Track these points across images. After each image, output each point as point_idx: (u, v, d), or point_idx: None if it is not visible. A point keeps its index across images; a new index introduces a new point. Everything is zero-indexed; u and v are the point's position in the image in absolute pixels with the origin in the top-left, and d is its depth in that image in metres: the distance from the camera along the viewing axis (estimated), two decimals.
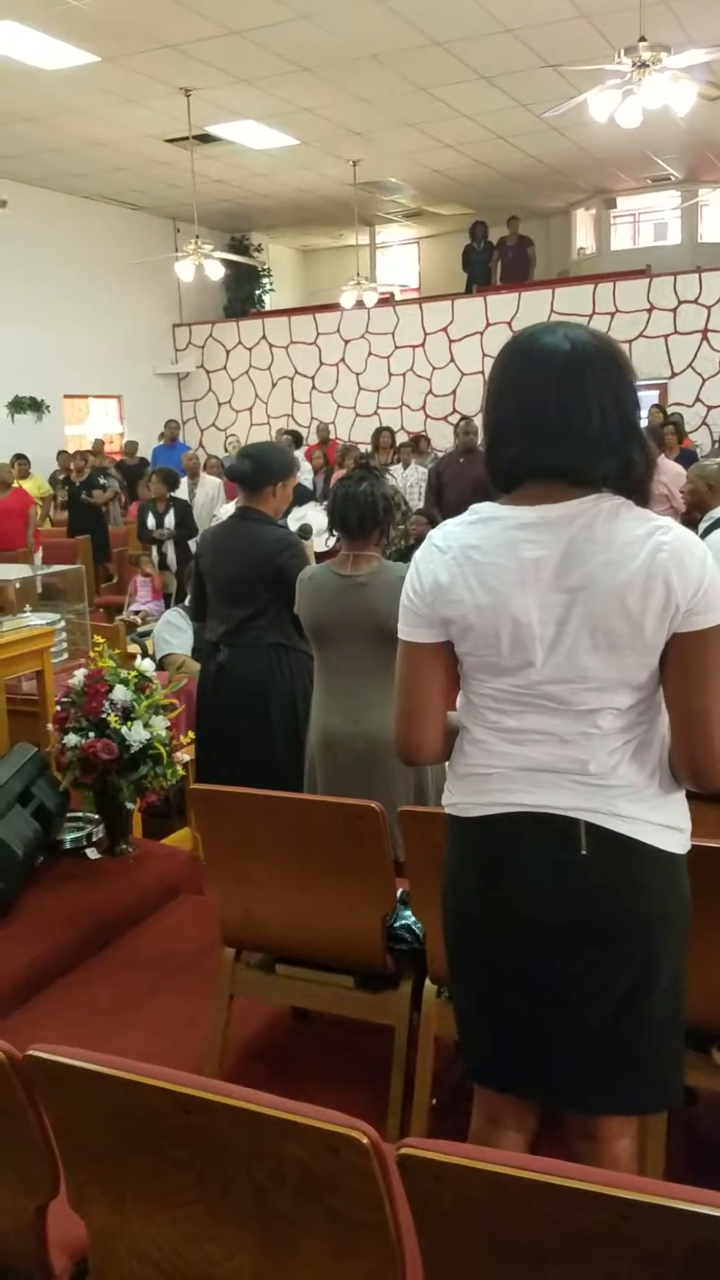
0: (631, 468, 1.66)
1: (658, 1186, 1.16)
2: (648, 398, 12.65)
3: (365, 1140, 1.26)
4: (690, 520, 4.38)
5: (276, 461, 3.79)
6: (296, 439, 11.96)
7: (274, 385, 15.41)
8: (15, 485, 10.15)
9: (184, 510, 8.69)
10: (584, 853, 1.66)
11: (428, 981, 2.47)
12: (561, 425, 1.64)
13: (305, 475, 11.44)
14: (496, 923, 1.74)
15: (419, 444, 11.83)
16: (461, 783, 1.79)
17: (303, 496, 9.03)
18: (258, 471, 3.71)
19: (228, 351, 15.65)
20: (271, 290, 16.75)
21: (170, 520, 8.57)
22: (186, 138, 10.34)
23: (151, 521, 8.67)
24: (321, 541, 8.05)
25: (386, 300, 14.89)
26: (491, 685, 1.72)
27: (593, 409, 1.63)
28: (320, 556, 7.05)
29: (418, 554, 1.77)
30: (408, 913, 2.57)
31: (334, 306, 14.36)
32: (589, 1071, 1.71)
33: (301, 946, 2.64)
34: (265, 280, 16.54)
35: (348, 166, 12.26)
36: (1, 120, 10.01)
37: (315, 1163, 1.31)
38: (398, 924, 2.56)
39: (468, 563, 1.68)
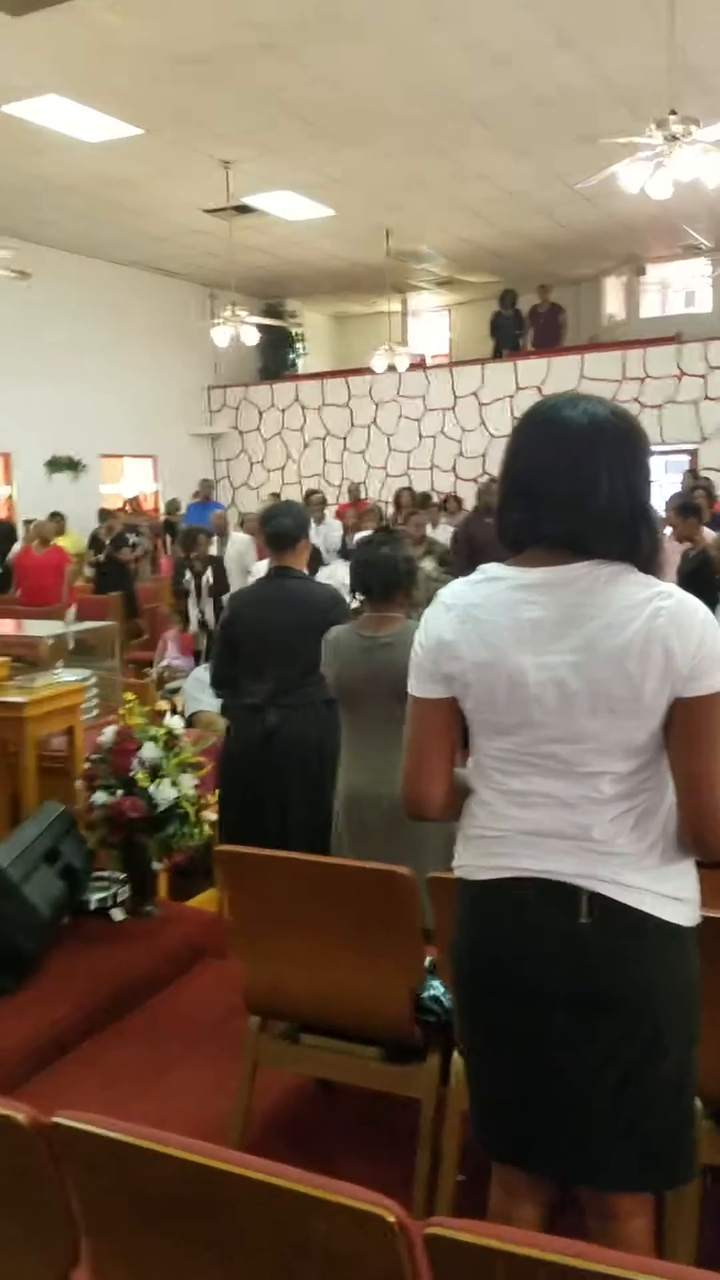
0: (638, 547, 1.67)
1: (683, 1272, 1.13)
2: (678, 463, 12.69)
3: (392, 1218, 1.24)
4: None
5: (304, 517, 3.88)
6: (324, 500, 12.10)
7: (306, 446, 15.61)
8: (52, 542, 10.30)
9: (219, 567, 8.75)
10: (585, 921, 1.65)
11: (455, 1054, 2.43)
12: (569, 498, 1.66)
13: (336, 533, 11.55)
14: (498, 989, 1.73)
15: (448, 504, 11.92)
16: (469, 845, 1.79)
17: (316, 557, 9.05)
18: (296, 528, 3.77)
19: (261, 413, 15.89)
20: (305, 354, 17.03)
21: (209, 577, 8.63)
22: (224, 208, 10.60)
23: (189, 578, 8.71)
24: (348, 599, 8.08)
25: (418, 365, 15.08)
26: (495, 745, 1.73)
27: (602, 485, 1.65)
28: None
29: (427, 611, 1.80)
30: (437, 983, 2.54)
31: (366, 370, 14.57)
32: (592, 1147, 1.69)
33: (327, 1016, 2.60)
34: (299, 345, 16.83)
35: (381, 236, 12.51)
36: (43, 189, 10.30)
37: (341, 1240, 1.28)
38: (426, 994, 2.53)
39: (470, 620, 1.71)
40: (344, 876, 2.56)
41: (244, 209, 11.01)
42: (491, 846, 1.74)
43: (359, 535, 10.16)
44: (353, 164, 9.86)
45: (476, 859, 1.77)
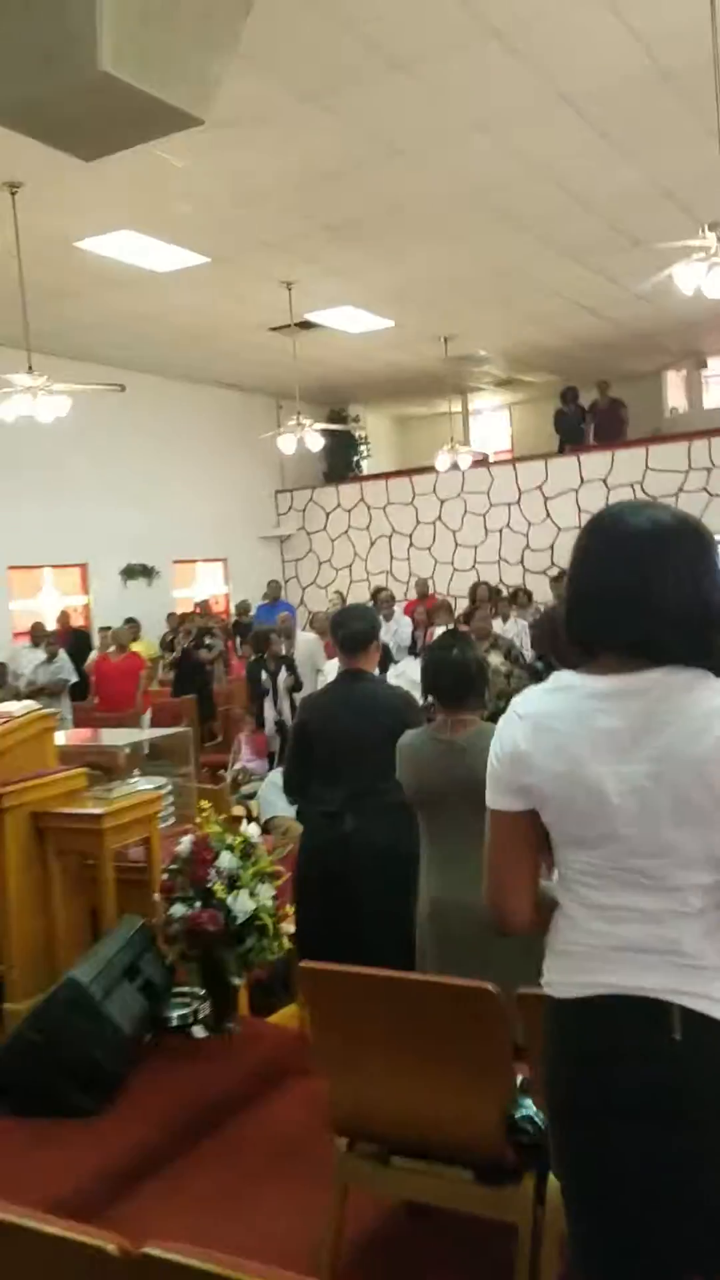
0: (710, 651, 1.65)
1: None
2: None
3: None
4: None
5: (375, 619, 3.91)
6: (391, 597, 12.20)
7: (372, 544, 15.82)
8: (129, 649, 10.50)
9: (292, 666, 8.83)
10: (677, 1038, 1.60)
11: (551, 1176, 2.34)
12: (636, 604, 1.66)
13: (406, 630, 11.61)
14: (590, 1110, 1.68)
15: (518, 597, 11.92)
16: (556, 960, 1.76)
17: (387, 656, 9.08)
18: (368, 630, 3.80)
19: (327, 514, 16.19)
20: (369, 456, 17.38)
21: (283, 676, 8.70)
22: (288, 325, 10.98)
23: (265, 678, 8.79)
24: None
25: (481, 462, 15.29)
26: (579, 858, 1.70)
27: (669, 590, 1.64)
28: None
29: (501, 721, 1.80)
30: (529, 1102, 2.46)
31: (429, 469, 14.80)
32: (692, 1267, 1.60)
33: (417, 1136, 2.53)
34: (362, 447, 17.19)
35: (439, 343, 12.82)
36: (121, 318, 10.79)
37: None
38: (519, 1114, 2.45)
39: (545, 731, 1.69)
40: (429, 993, 2.52)
41: (306, 325, 11.38)
42: (579, 962, 1.71)
43: (431, 632, 10.23)
44: (409, 277, 10.17)
45: (564, 975, 1.74)
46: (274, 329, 11.43)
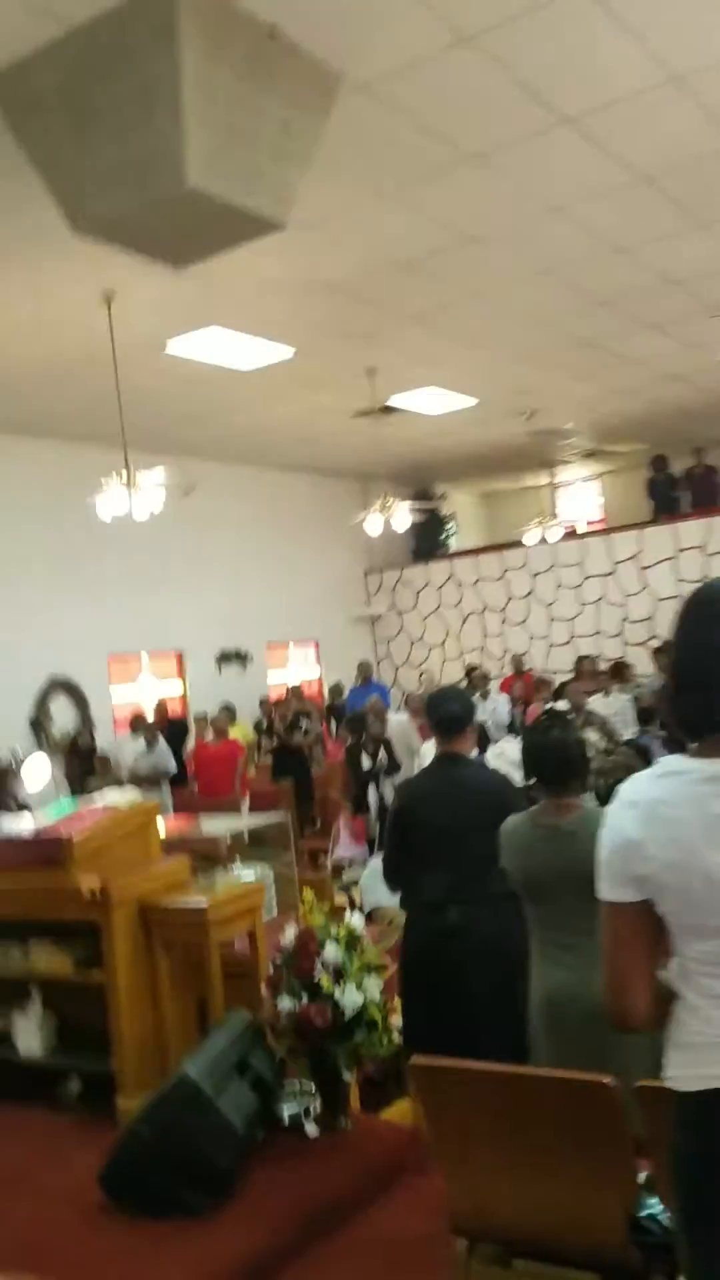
0: None
1: None
2: None
3: None
4: None
5: (470, 701, 3.87)
6: (485, 675, 12.13)
7: (464, 621, 15.80)
8: (227, 734, 10.62)
9: (390, 748, 8.81)
10: None
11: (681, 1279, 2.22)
12: None
13: (504, 708, 11.52)
14: (718, 1207, 1.59)
15: (620, 671, 11.70)
16: (679, 1053, 1.70)
17: (484, 737, 8.99)
18: (464, 712, 3.77)
19: (417, 593, 16.25)
20: (456, 533, 17.47)
21: (382, 758, 8.69)
22: (371, 411, 11.19)
23: (366, 762, 8.78)
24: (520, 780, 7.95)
25: (571, 534, 15.22)
26: (697, 948, 1.66)
27: None
28: None
29: (610, 809, 1.77)
30: (654, 1200, 2.36)
31: (519, 544, 14.78)
32: None
33: (538, 1237, 2.45)
34: (450, 524, 17.30)
35: (523, 418, 12.91)
36: (206, 411, 11.14)
37: None
38: (644, 1213, 2.34)
39: (656, 819, 1.66)
40: (545, 1087, 2.44)
41: (389, 409, 11.59)
42: (702, 1054, 1.66)
43: (531, 709, 10.11)
44: (490, 356, 10.31)
45: (688, 1068, 1.68)
46: (358, 415, 11.66)
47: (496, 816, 3.47)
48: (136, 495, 8.10)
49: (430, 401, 11.75)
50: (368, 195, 6.43)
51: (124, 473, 8.13)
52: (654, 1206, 2.33)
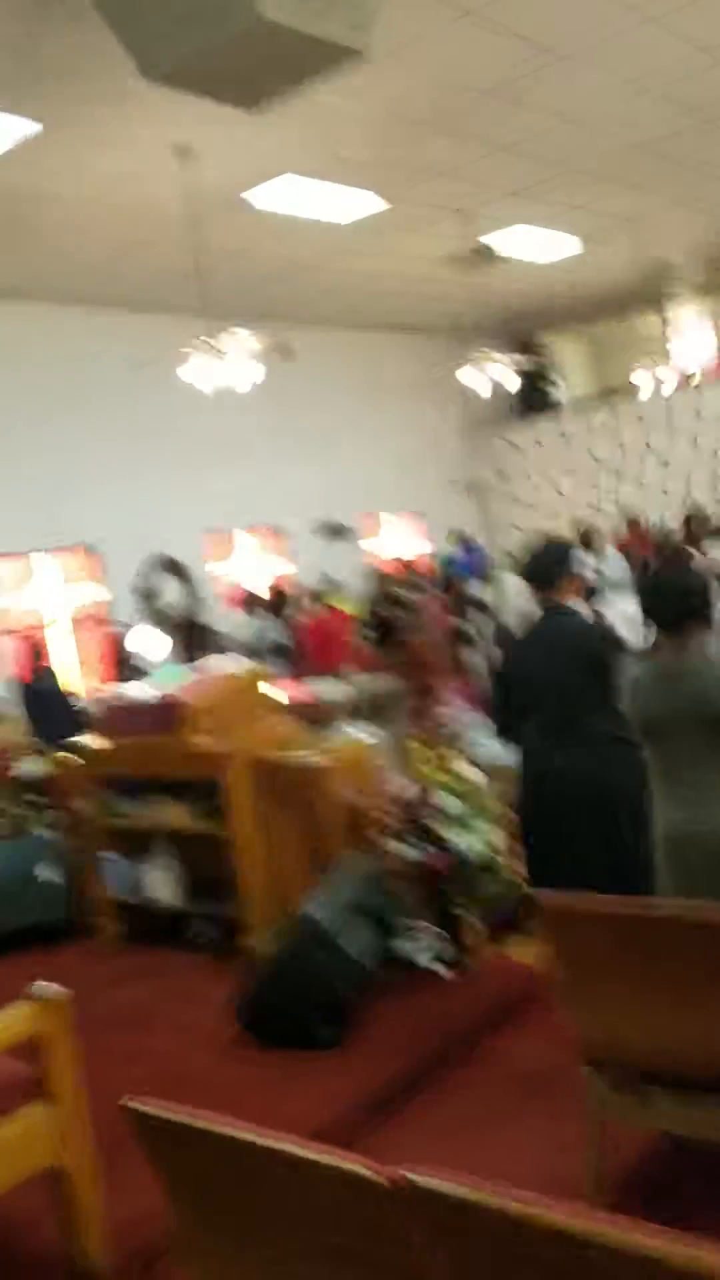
0: None
1: None
2: None
3: None
4: None
5: (555, 555, 3.79)
6: (599, 532, 11.79)
7: (574, 480, 15.33)
8: (332, 606, 10.64)
9: (485, 607, 8.70)
10: None
11: None
12: None
13: (619, 566, 11.20)
14: None
15: None
16: None
17: (590, 589, 8.75)
18: (550, 565, 3.69)
19: (524, 452, 15.79)
20: (562, 386, 16.79)
21: (481, 621, 8.59)
22: (465, 256, 10.72)
23: (468, 627, 8.69)
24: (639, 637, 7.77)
25: (686, 379, 14.51)
26: None
27: None
28: None
29: None
30: None
31: (630, 391, 14.15)
32: None
33: (673, 1066, 2.43)
34: (555, 377, 16.62)
35: (628, 254, 12.21)
36: (292, 269, 10.79)
37: None
38: None
39: None
40: (674, 925, 2.39)
41: (485, 252, 11.08)
42: None
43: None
44: (589, 189, 9.73)
45: None
46: (451, 261, 11.18)
47: (591, 663, 3.51)
48: (226, 363, 7.95)
49: (528, 242, 11.18)
50: (446, 15, 5.99)
51: (209, 340, 7.96)
52: None
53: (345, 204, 9.00)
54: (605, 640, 3.65)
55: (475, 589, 10.02)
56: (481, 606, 8.73)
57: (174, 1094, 1.78)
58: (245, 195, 8.45)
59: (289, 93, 5.49)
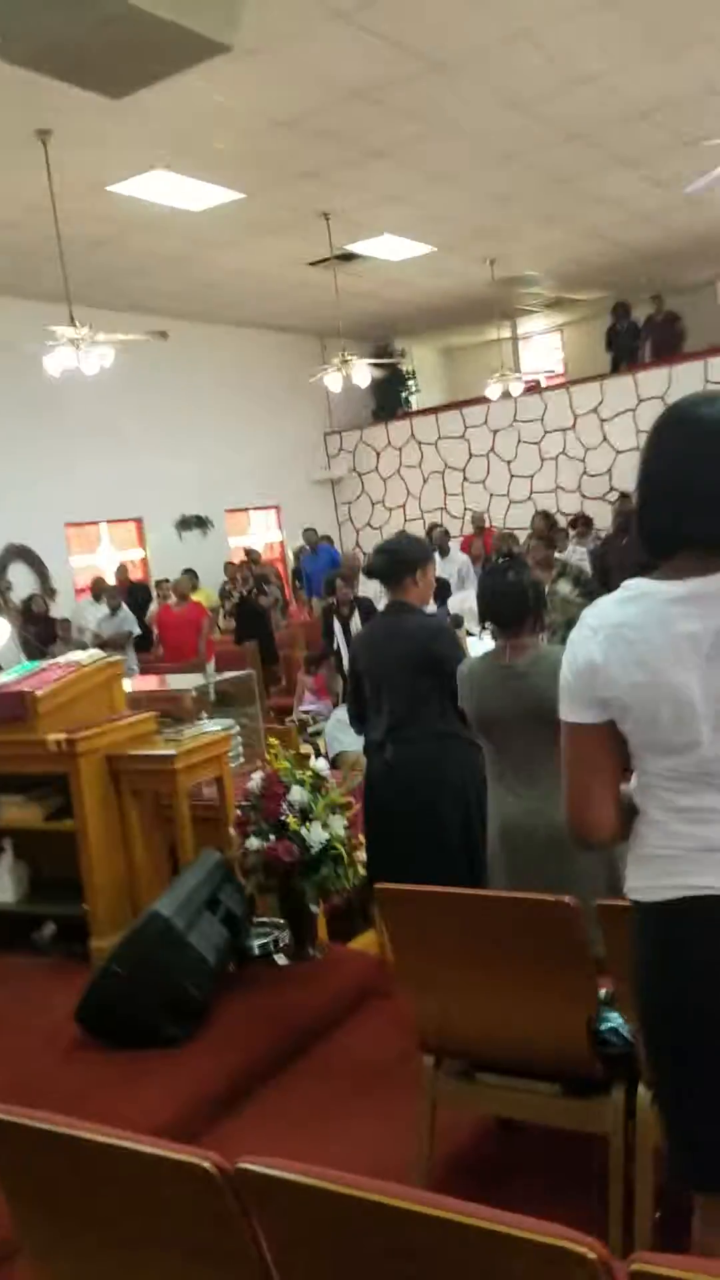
0: None
1: None
2: None
3: (593, 1255, 1.19)
4: None
5: (409, 552, 3.83)
6: (446, 532, 12.07)
7: (425, 481, 15.66)
8: (190, 598, 10.58)
9: (367, 606, 8.80)
10: None
11: (641, 1087, 2.34)
12: (711, 495, 1.61)
13: (465, 566, 11.50)
14: (686, 1014, 1.67)
15: (576, 525, 11.75)
16: (641, 866, 1.74)
17: (444, 589, 8.98)
18: (395, 564, 3.76)
19: (378, 453, 16.04)
20: (417, 391, 17.14)
21: (356, 620, 8.67)
22: (328, 259, 10.81)
23: (337, 624, 8.77)
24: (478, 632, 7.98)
25: (533, 388, 14.98)
26: (660, 764, 1.68)
27: None
28: None
29: (572, 634, 1.76)
30: (613, 1014, 2.46)
31: (480, 400, 14.54)
32: None
33: (502, 1052, 2.55)
34: (411, 382, 16.95)
35: (485, 266, 12.53)
36: (155, 261, 10.70)
37: (538, 1279, 1.24)
38: (604, 1026, 2.45)
39: (620, 641, 1.65)
40: (507, 909, 2.51)
41: (347, 256, 11.20)
42: (666, 866, 1.69)
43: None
44: (452, 199, 9.93)
45: (652, 879, 1.72)
46: (314, 263, 11.25)
47: (425, 661, 3.59)
48: (88, 352, 7.82)
49: (389, 248, 11.35)
50: (320, 14, 6.04)
51: (71, 326, 7.82)
52: (614, 1020, 2.44)
53: (209, 198, 8.95)
54: (444, 638, 3.75)
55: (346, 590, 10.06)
56: (360, 602, 8.80)
57: (16, 1099, 1.78)
58: (111, 188, 8.31)
59: (155, 83, 5.45)
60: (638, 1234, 2.27)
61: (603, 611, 1.72)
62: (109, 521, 13.03)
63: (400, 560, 3.77)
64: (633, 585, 1.70)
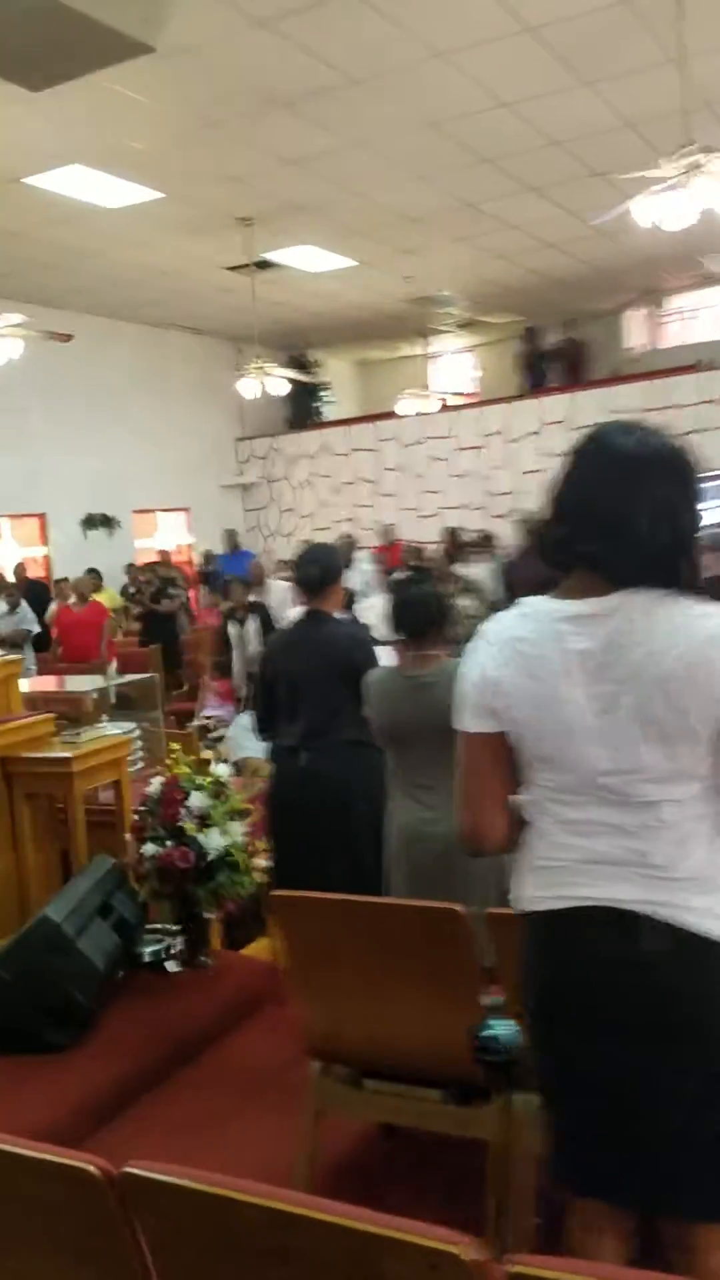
0: (676, 577, 1.66)
1: None
2: (713, 489, 12.60)
3: (468, 1257, 1.22)
4: None
5: (334, 561, 3.91)
6: (354, 543, 12.15)
7: (336, 491, 15.72)
8: (91, 599, 10.42)
9: (264, 613, 8.78)
10: (645, 947, 1.63)
11: (520, 1094, 2.39)
12: (609, 523, 1.66)
13: (370, 573, 11.57)
14: (567, 1020, 1.72)
15: (481, 543, 11.92)
16: (528, 876, 1.79)
17: (349, 598, 9.02)
18: (325, 573, 3.80)
19: (290, 461, 16.05)
20: (332, 402, 17.21)
21: (253, 625, 8.65)
22: (246, 265, 10.80)
23: (233, 628, 8.74)
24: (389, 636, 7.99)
25: (445, 406, 15.17)
26: (549, 777, 1.73)
27: (642, 514, 1.64)
28: None
29: (470, 646, 1.81)
30: (498, 1022, 2.50)
31: (392, 414, 14.66)
32: (672, 1175, 1.66)
33: (388, 1059, 2.58)
34: (324, 393, 17.02)
35: (401, 283, 12.66)
36: (70, 256, 10.55)
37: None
38: (485, 1033, 2.49)
39: (515, 655, 1.70)
40: (397, 916, 2.55)
41: (265, 264, 11.20)
42: (552, 876, 1.74)
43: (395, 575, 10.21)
44: (370, 213, 10.01)
45: (537, 889, 1.76)
46: (231, 268, 11.23)
47: (346, 670, 3.63)
48: None
49: (308, 259, 11.39)
50: (245, 21, 6.05)
51: None
52: (497, 1028, 2.49)
53: (127, 196, 8.87)
54: (367, 649, 3.79)
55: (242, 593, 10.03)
56: (258, 608, 8.77)
57: None
58: (27, 180, 8.18)
59: (76, 78, 5.40)
60: (516, 1238, 2.32)
61: (500, 625, 1.77)
62: (10, 516, 12.76)
63: (329, 569, 3.83)
64: (530, 602, 1.75)
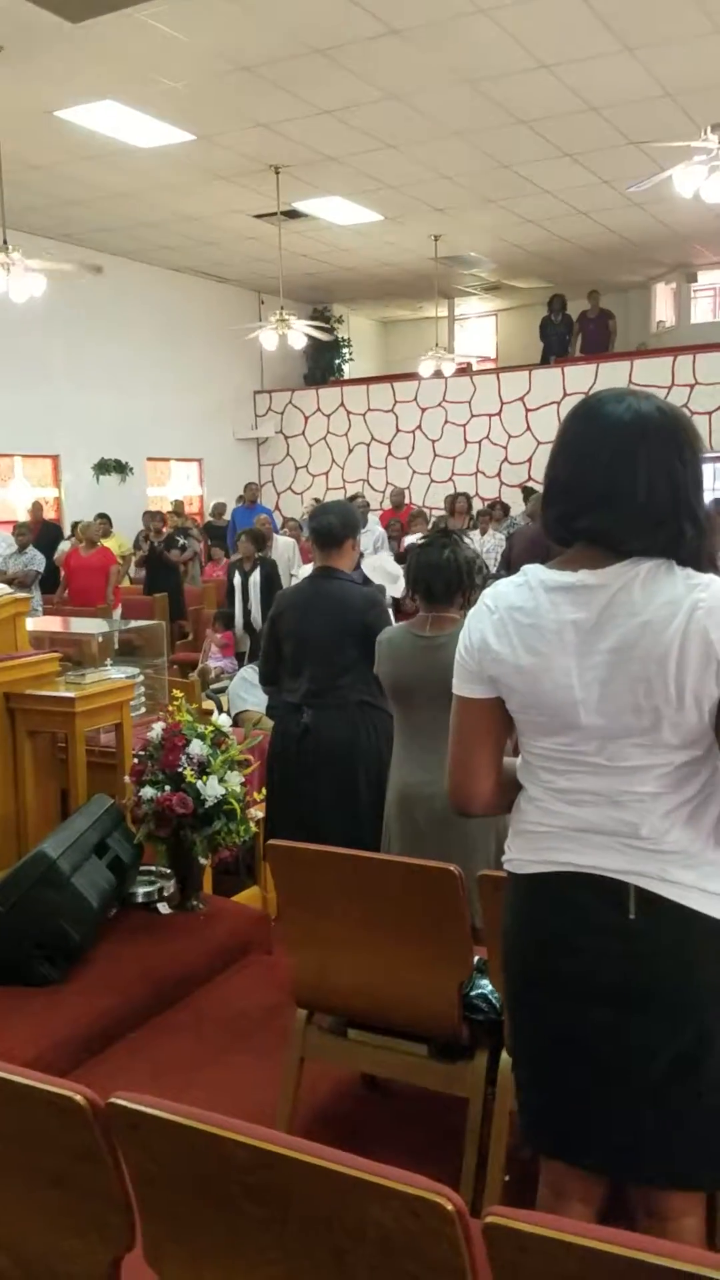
0: (681, 540, 1.64)
1: None
2: None
3: (450, 1206, 1.24)
4: None
5: (353, 517, 3.86)
6: (367, 504, 12.10)
7: (350, 451, 15.64)
8: (99, 544, 10.40)
9: (270, 568, 8.77)
10: (632, 917, 1.65)
11: (504, 1054, 2.42)
12: (605, 494, 1.65)
13: (381, 537, 11.53)
14: (545, 982, 1.74)
15: (495, 510, 11.89)
16: (519, 839, 1.80)
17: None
18: (342, 526, 3.77)
19: (306, 418, 15.95)
20: (351, 360, 17.07)
21: (256, 578, 8.64)
22: (274, 213, 10.67)
23: (238, 580, 8.74)
24: (396, 589, 7.97)
25: (464, 370, 15.07)
26: (541, 745, 1.73)
27: (639, 482, 1.63)
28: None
29: (470, 612, 1.81)
30: (485, 981, 2.53)
31: (412, 376, 14.57)
32: (643, 1143, 1.68)
33: (375, 1011, 2.60)
34: (345, 350, 16.87)
35: (429, 241, 12.52)
36: (99, 195, 10.43)
37: (397, 1227, 1.28)
38: (474, 993, 2.52)
39: (512, 624, 1.70)
40: (394, 872, 2.56)
41: (293, 214, 11.08)
42: (538, 841, 1.75)
43: (407, 540, 10.18)
44: (402, 169, 9.89)
45: (526, 853, 1.78)
46: (259, 215, 11.10)
47: (354, 630, 3.61)
48: (21, 278, 7.60)
49: (336, 210, 11.25)
50: None
51: (1, 250, 7.59)
52: (484, 987, 2.51)
53: (159, 136, 8.76)
54: (380, 611, 3.77)
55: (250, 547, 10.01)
56: (264, 562, 8.75)
57: None
58: (59, 113, 8.06)
59: (117, 10, 5.30)
60: (488, 1195, 2.36)
61: (500, 593, 1.76)
62: (24, 456, 12.72)
63: (347, 524, 3.79)
64: (529, 571, 1.75)
